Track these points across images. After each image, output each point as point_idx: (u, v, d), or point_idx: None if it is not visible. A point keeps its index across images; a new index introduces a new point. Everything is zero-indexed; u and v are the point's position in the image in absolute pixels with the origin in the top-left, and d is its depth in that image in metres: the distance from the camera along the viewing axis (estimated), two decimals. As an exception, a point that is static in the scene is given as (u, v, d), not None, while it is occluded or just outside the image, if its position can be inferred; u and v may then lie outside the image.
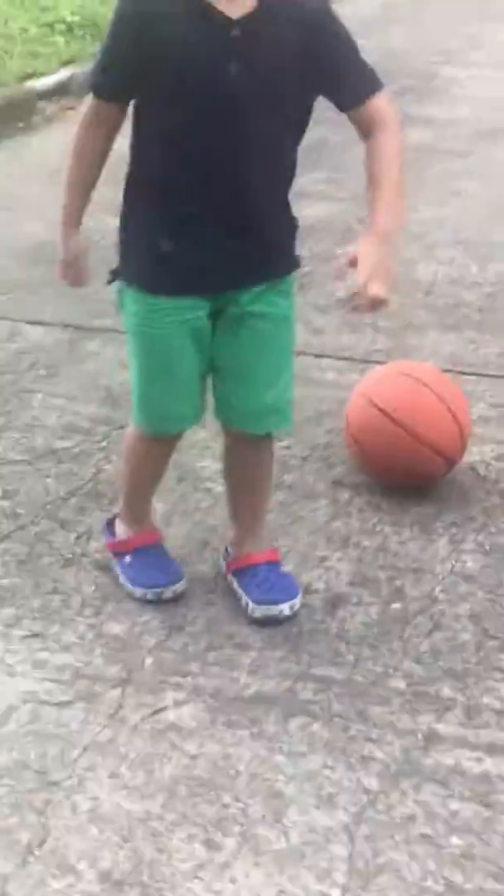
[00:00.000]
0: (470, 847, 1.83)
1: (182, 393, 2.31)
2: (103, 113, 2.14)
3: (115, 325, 3.63)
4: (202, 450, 2.91)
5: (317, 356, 3.56)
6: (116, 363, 3.46)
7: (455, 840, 1.84)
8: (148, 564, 2.44)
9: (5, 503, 2.82)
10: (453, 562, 2.61)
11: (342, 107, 2.13)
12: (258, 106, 2.06)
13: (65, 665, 2.24)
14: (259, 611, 2.35)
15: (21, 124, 6.30)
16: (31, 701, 2.14)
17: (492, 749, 2.05)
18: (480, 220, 4.85)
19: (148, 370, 2.31)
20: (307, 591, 2.49)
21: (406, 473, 2.88)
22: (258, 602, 2.35)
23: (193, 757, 2.01)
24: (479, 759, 2.02)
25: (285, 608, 2.35)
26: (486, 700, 2.18)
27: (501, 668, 2.27)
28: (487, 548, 2.67)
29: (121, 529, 2.51)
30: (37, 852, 1.80)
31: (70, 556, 2.61)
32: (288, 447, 3.07)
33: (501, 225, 4.80)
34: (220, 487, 2.65)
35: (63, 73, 6.87)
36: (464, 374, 3.32)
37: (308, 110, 2.17)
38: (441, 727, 2.09)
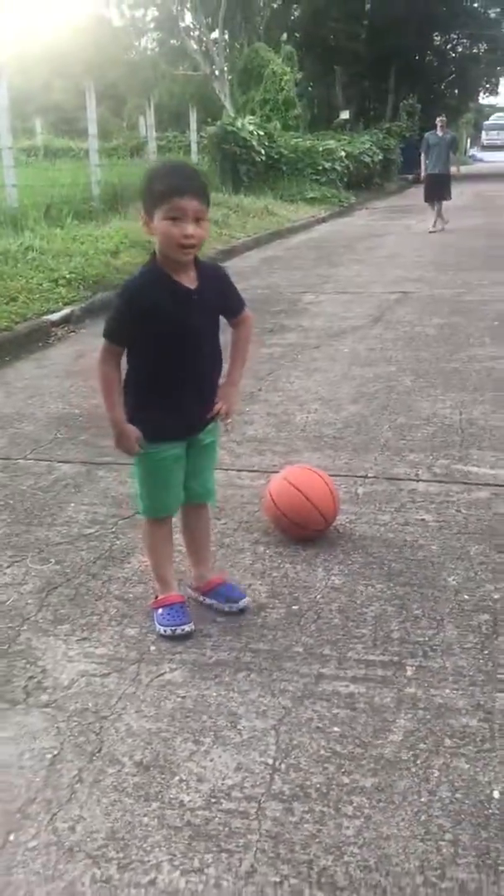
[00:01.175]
0: (345, 732, 2.00)
1: (172, 492, 2.45)
2: (113, 350, 2.26)
3: (114, 459, 3.88)
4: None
5: (238, 470, 3.62)
6: (117, 482, 3.54)
7: (336, 729, 2.01)
8: (170, 615, 2.44)
9: (57, 567, 2.85)
10: (326, 581, 2.71)
11: (229, 318, 2.40)
12: (206, 331, 2.31)
13: (103, 654, 2.35)
14: (233, 607, 2.51)
15: (40, 343, 6.37)
16: (86, 675, 2.25)
17: (354, 680, 2.19)
18: (331, 385, 4.95)
19: (152, 484, 2.43)
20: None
21: (300, 527, 2.96)
22: (229, 601, 2.53)
23: (183, 697, 2.15)
24: (346, 686, 2.17)
25: (244, 602, 2.54)
26: (350, 654, 2.30)
27: (357, 636, 2.39)
28: (346, 572, 2.76)
29: (158, 590, 2.54)
30: (97, 754, 1.95)
31: (99, 594, 2.67)
32: (224, 523, 3.12)
33: (345, 388, 4.88)
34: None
35: (66, 310, 6.95)
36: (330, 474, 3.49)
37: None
38: (325, 671, 2.23)
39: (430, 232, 13.50)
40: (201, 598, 2.61)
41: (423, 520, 3.17)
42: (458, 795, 1.81)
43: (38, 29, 28.35)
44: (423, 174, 14.16)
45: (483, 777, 1.86)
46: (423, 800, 1.80)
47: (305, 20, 31.43)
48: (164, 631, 2.43)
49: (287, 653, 2.35)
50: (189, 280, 2.26)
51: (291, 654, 2.35)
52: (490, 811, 1.76)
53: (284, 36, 29.22)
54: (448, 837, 1.70)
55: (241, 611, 2.55)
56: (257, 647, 2.39)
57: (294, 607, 2.59)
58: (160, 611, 2.48)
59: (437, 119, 14.37)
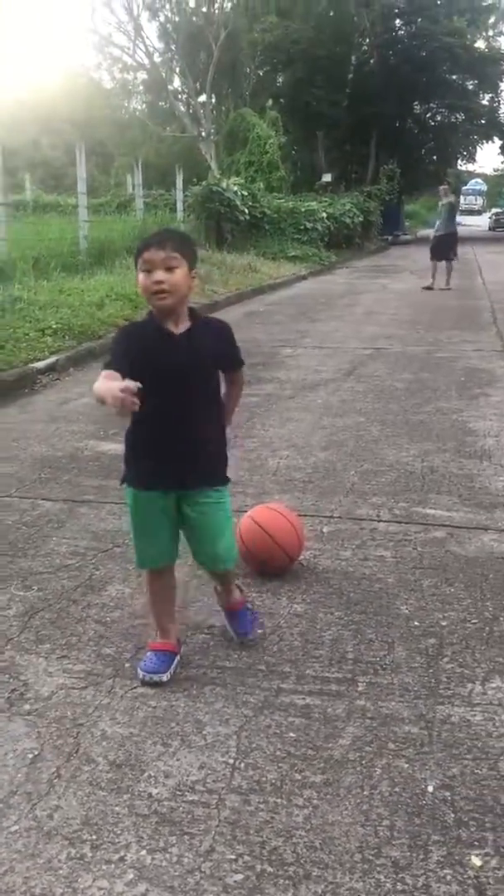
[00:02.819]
0: (299, 737, 2.20)
1: (154, 543, 2.49)
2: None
3: (95, 497, 4.14)
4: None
5: None
6: (98, 519, 3.75)
7: (291, 734, 2.21)
8: (152, 661, 2.50)
9: (39, 593, 3.04)
10: (289, 608, 2.93)
11: (225, 371, 2.50)
12: (192, 376, 2.38)
13: (81, 670, 2.54)
14: (240, 637, 2.67)
15: (26, 390, 6.59)
16: (64, 687, 2.44)
17: (310, 693, 2.39)
18: (304, 433, 5.20)
19: (136, 532, 2.51)
20: (212, 627, 2.77)
21: (266, 564, 3.16)
22: (238, 633, 2.69)
23: (154, 707, 2.35)
24: (303, 699, 2.37)
25: (250, 636, 2.68)
26: (307, 672, 2.50)
27: (315, 656, 2.60)
28: (308, 601, 2.97)
29: (156, 633, 2.60)
30: (74, 755, 2.14)
31: (79, 618, 2.85)
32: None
33: (316, 436, 5.13)
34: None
35: (52, 359, 7.19)
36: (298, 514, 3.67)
37: (217, 377, 2.48)
38: (284, 686, 2.44)
39: (426, 289, 14.32)
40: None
41: (381, 556, 3.41)
42: (396, 790, 2.03)
43: (30, 88, 29.23)
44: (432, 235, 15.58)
45: (420, 774, 2.08)
46: (365, 793, 2.01)
47: (289, 87, 32.60)
48: (139, 674, 2.49)
49: (250, 670, 2.57)
50: (178, 327, 2.37)
51: (254, 671, 2.56)
52: (424, 802, 1.98)
53: (269, 101, 30.29)
54: (385, 824, 1.91)
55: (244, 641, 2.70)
56: (223, 665, 2.60)
57: (259, 631, 2.80)
58: (148, 654, 2.55)
59: (441, 187, 15.84)
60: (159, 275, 2.27)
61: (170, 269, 2.28)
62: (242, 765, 2.12)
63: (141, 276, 2.31)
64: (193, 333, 2.38)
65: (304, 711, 2.35)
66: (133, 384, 1.99)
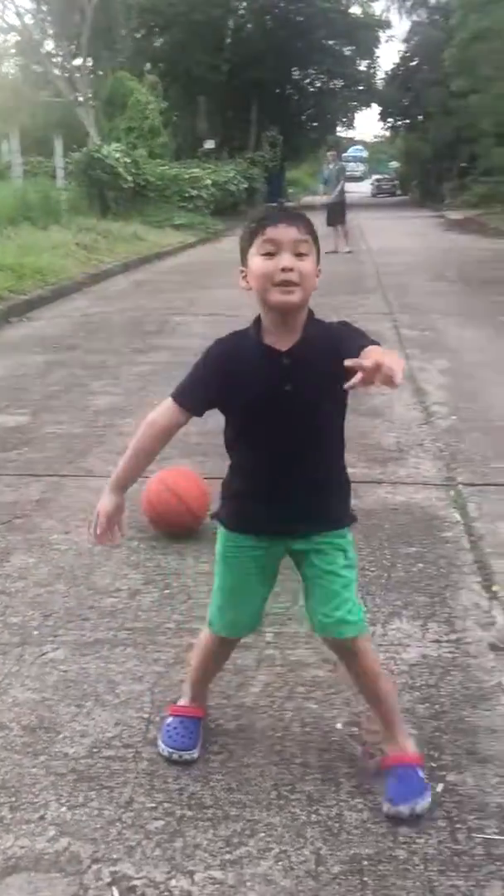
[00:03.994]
0: (212, 688, 2.16)
1: (238, 604, 1.97)
2: (174, 414, 1.84)
3: None
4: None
5: None
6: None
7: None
8: (177, 731, 2.03)
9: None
10: (196, 567, 2.96)
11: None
12: (305, 408, 1.78)
13: None
14: (392, 809, 1.80)
15: None
16: None
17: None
18: None
19: (224, 588, 1.97)
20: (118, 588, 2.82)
21: (174, 526, 3.21)
22: (393, 802, 1.81)
23: (65, 671, 2.35)
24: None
25: (405, 809, 1.79)
26: None
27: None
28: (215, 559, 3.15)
29: (183, 692, 2.14)
30: None
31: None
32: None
33: None
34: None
35: None
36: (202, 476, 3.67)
37: (345, 393, 1.75)
38: (195, 641, 2.46)
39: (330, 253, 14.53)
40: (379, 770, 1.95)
41: (282, 513, 3.49)
42: (307, 729, 2.11)
43: None
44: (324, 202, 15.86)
45: (328, 714, 2.17)
46: (278, 735, 2.09)
47: (168, 51, 32.09)
48: (162, 749, 2.02)
49: (160, 629, 2.60)
50: (285, 341, 1.78)
51: (164, 629, 2.60)
52: (333, 738, 2.08)
53: (148, 65, 29.76)
54: (298, 761, 2.00)
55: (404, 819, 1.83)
56: (133, 626, 2.62)
57: (166, 591, 2.84)
58: (170, 720, 2.07)
59: (328, 153, 16.10)
60: (288, 259, 1.71)
61: (300, 256, 1.73)
62: (157, 718, 2.15)
63: (257, 259, 1.74)
64: (302, 348, 1.77)
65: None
66: (117, 538, 1.90)
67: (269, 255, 1.72)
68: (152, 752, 2.03)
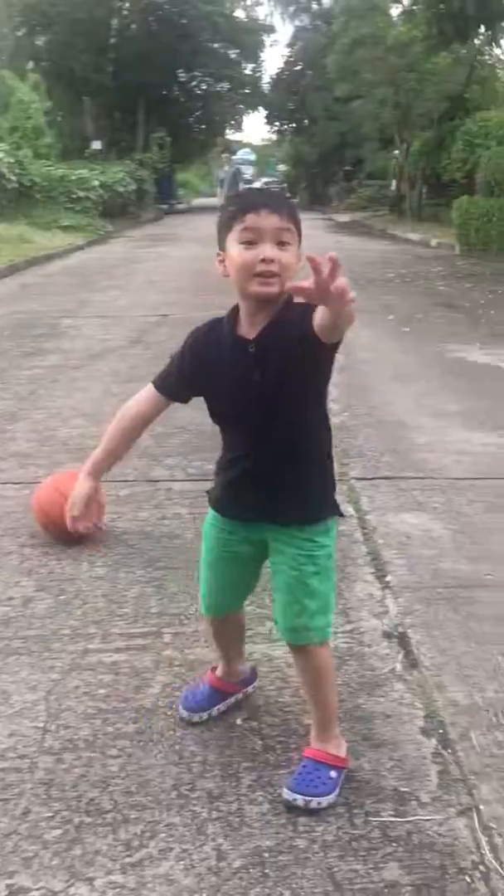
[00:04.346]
0: (109, 693, 2.21)
1: (214, 580, 1.99)
2: (154, 400, 1.86)
3: None
4: None
5: (2, 483, 3.79)
6: None
7: (101, 691, 2.23)
8: (194, 694, 2.14)
9: None
10: (90, 572, 2.93)
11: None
12: (276, 396, 1.74)
13: None
14: (287, 795, 1.82)
15: None
16: None
17: (117, 650, 2.41)
18: (93, 402, 5.14)
19: (203, 563, 2.00)
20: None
21: (67, 532, 2.86)
22: (290, 788, 1.82)
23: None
24: (110, 656, 2.38)
25: (300, 800, 1.80)
26: (113, 630, 2.52)
27: (120, 614, 2.61)
28: (109, 563, 2.99)
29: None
30: None
31: None
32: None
33: (107, 404, 4.93)
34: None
35: None
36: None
37: (321, 373, 1.77)
38: (91, 646, 2.44)
39: None
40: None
41: (178, 513, 3.49)
42: (207, 727, 2.11)
43: None
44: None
45: (228, 710, 2.18)
46: (177, 734, 2.08)
47: (51, 50, 31.49)
48: (181, 712, 2.13)
49: (55, 636, 2.55)
50: (255, 329, 1.75)
51: (59, 636, 2.55)
52: (232, 734, 2.08)
53: (31, 64, 29.11)
54: (198, 759, 1.99)
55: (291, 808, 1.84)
56: (26, 634, 2.56)
57: (61, 597, 2.79)
58: (195, 682, 2.21)
59: (223, 155, 16.33)
60: (269, 250, 1.65)
61: (282, 245, 1.67)
62: (53, 726, 2.11)
63: (237, 249, 1.68)
64: (268, 335, 1.73)
65: (112, 668, 2.37)
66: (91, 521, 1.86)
67: (250, 243, 1.66)
68: (48, 761, 1.99)
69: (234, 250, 1.69)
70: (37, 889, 1.62)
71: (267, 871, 1.66)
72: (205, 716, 2.11)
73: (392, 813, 1.81)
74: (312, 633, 1.83)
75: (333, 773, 1.86)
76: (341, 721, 2.08)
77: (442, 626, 2.60)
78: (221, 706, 2.14)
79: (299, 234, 1.72)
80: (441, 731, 2.09)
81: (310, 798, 1.81)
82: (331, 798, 1.83)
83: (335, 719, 1.95)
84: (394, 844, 1.73)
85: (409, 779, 1.92)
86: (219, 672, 2.16)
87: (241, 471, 1.84)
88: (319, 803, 1.81)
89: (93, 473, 1.90)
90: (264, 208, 1.66)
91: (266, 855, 1.70)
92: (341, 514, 1.92)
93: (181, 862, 1.68)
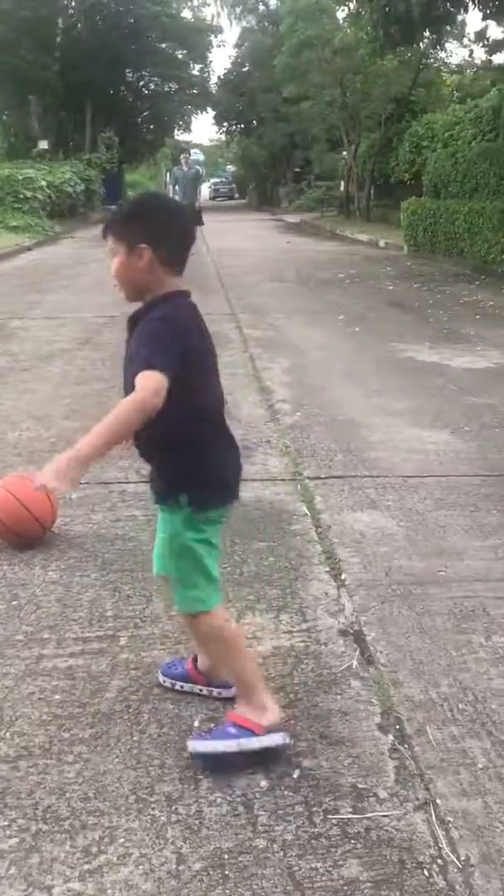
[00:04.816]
0: (65, 698, 2.19)
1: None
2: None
3: None
4: None
5: None
6: None
7: (57, 696, 2.20)
8: (174, 666, 2.27)
9: None
10: (44, 576, 2.90)
11: None
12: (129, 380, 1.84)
13: None
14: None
15: None
16: None
17: (73, 655, 2.39)
18: (44, 404, 5.11)
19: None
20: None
21: (19, 535, 3.10)
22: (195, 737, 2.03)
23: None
24: (65, 661, 2.36)
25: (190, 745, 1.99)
26: (68, 635, 2.50)
27: (75, 619, 2.59)
28: (63, 567, 2.96)
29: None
30: None
31: None
32: None
33: (57, 406, 5.05)
34: None
35: None
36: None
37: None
38: (45, 652, 2.41)
39: None
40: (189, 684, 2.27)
41: (132, 515, 3.47)
42: (164, 730, 2.10)
43: None
44: None
45: (186, 712, 2.17)
46: (135, 738, 2.07)
47: (-5, 48, 30.96)
48: (161, 678, 2.29)
49: (8, 642, 2.52)
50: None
51: (12, 642, 2.51)
52: (191, 737, 2.07)
53: (-26, 63, 28.57)
54: (156, 763, 1.98)
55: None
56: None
57: (14, 603, 2.75)
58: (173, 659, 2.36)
59: (182, 155, 16.51)
60: (111, 267, 1.97)
61: (114, 258, 1.95)
62: (8, 734, 2.08)
63: None
64: (136, 322, 1.96)
65: (67, 673, 2.35)
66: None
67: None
68: (4, 769, 1.96)
69: None
70: (-7, 900, 1.59)
71: (227, 872, 1.65)
72: (168, 684, 2.26)
73: (350, 810, 1.82)
74: (184, 602, 2.04)
75: (233, 729, 1.96)
76: (297, 719, 2.08)
77: (397, 622, 2.62)
78: (186, 687, 2.25)
79: (124, 237, 1.93)
80: (398, 726, 2.11)
81: (197, 742, 1.98)
82: (215, 744, 1.95)
83: (252, 688, 2.02)
84: (353, 841, 1.73)
85: (366, 775, 1.93)
86: (200, 665, 2.23)
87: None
88: (192, 749, 1.97)
89: (89, 462, 1.82)
90: (103, 236, 2.00)
91: (226, 856, 1.69)
92: (190, 504, 1.96)
93: (140, 867, 1.67)
